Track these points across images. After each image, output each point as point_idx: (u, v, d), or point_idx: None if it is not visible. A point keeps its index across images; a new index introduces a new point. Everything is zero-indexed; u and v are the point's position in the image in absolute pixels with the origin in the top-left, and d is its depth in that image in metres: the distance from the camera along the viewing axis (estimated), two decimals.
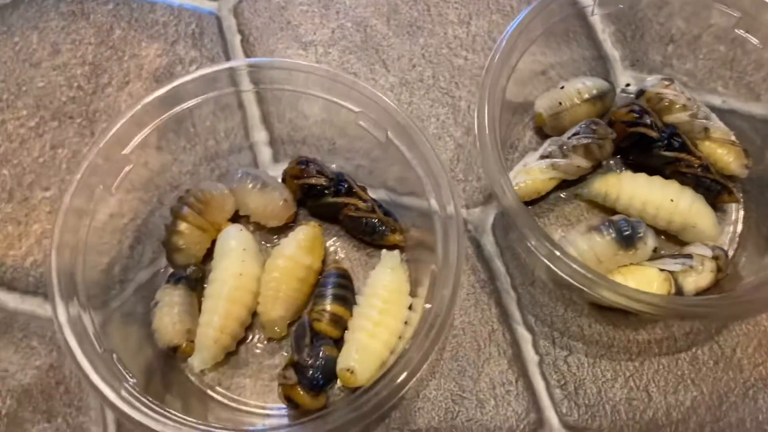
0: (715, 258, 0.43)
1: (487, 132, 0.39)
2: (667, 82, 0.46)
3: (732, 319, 0.43)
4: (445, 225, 0.38)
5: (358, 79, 0.44)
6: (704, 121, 0.46)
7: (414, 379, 0.35)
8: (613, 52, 0.51)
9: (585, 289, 0.37)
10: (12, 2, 0.54)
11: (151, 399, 0.35)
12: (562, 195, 0.47)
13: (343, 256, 0.46)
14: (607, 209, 0.46)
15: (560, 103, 0.46)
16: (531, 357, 0.44)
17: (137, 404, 0.35)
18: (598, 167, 0.47)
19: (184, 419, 0.35)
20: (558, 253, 0.37)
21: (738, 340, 0.44)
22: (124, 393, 0.35)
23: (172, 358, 0.43)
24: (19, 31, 0.53)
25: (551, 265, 0.37)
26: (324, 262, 0.45)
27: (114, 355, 0.37)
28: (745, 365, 0.43)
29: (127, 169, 0.42)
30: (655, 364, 0.43)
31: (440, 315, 0.36)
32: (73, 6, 0.54)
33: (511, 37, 0.43)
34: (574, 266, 0.37)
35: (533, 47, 0.47)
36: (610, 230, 0.42)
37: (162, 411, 0.35)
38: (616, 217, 0.43)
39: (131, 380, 0.36)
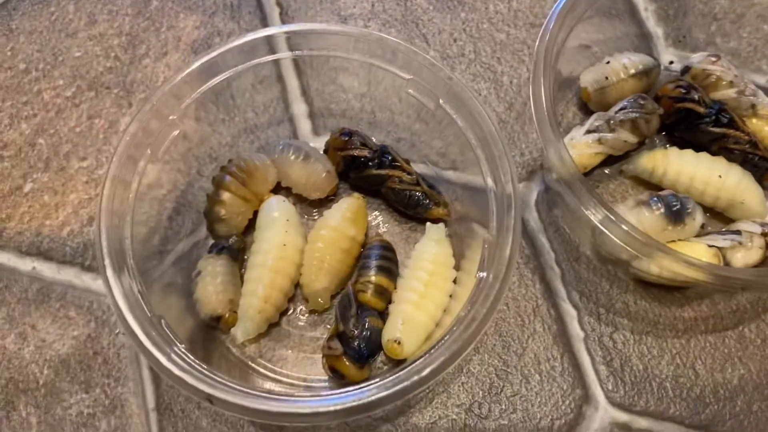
0: (764, 235, 0.42)
1: (543, 104, 0.38)
2: (714, 59, 0.46)
3: None
4: (501, 197, 0.37)
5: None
6: (752, 97, 0.45)
7: (467, 352, 0.35)
8: (656, 29, 0.50)
9: (640, 255, 0.37)
10: None
11: (199, 363, 0.35)
12: (606, 171, 0.47)
13: (385, 230, 0.45)
14: (652, 186, 0.46)
15: (606, 78, 0.46)
16: (576, 333, 0.43)
17: (187, 367, 0.34)
18: (643, 143, 0.46)
19: (234, 383, 0.34)
20: (614, 219, 0.36)
21: None
22: (174, 356, 0.34)
23: (213, 329, 0.42)
24: (56, 1, 0.52)
25: (607, 232, 0.36)
26: (366, 234, 0.44)
27: (163, 321, 0.37)
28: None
29: (174, 134, 0.41)
30: (702, 341, 0.43)
31: (496, 284, 0.35)
32: None
33: (560, 14, 0.42)
34: (632, 233, 0.36)
35: (575, 22, 0.47)
36: (659, 205, 0.42)
37: (211, 374, 0.34)
38: (664, 192, 0.43)
39: (180, 345, 0.36)
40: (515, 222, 0.36)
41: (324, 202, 0.45)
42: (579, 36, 0.48)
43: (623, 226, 0.36)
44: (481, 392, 0.42)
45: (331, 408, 0.33)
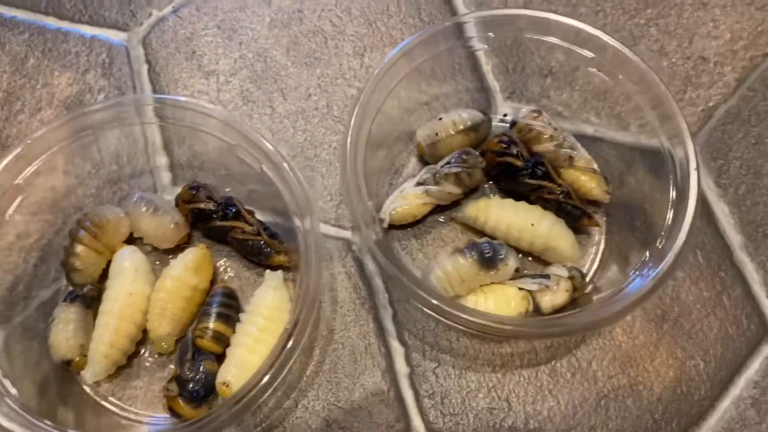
0: (571, 278, 0.46)
1: (348, 170, 0.42)
2: (535, 114, 0.50)
3: (574, 334, 0.47)
4: (305, 241, 0.42)
5: (254, 112, 0.48)
6: (569, 150, 0.50)
7: (272, 388, 0.39)
8: (495, 83, 0.55)
9: (438, 317, 0.41)
10: None
11: (29, 415, 0.39)
12: (440, 219, 0.51)
13: (233, 275, 0.49)
14: (479, 232, 0.50)
15: (437, 134, 0.50)
16: (402, 369, 0.47)
17: (16, 419, 0.38)
18: (471, 193, 0.50)
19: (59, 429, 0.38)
20: (412, 287, 0.41)
21: (594, 354, 0.48)
22: (5, 408, 0.38)
23: (67, 371, 0.46)
24: None
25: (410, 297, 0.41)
26: (214, 281, 0.48)
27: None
28: (599, 377, 0.47)
29: (20, 198, 0.45)
30: (517, 375, 0.47)
31: (298, 326, 0.40)
32: None
33: (387, 65, 0.46)
34: (426, 297, 0.41)
35: (419, 78, 0.51)
36: (473, 252, 0.46)
37: (37, 424, 0.38)
38: (480, 240, 0.47)
39: (12, 395, 0.39)
40: (314, 264, 0.41)
41: (178, 250, 0.49)
42: (422, 89, 0.52)
43: (421, 293, 0.41)
44: (314, 425, 0.46)
45: None
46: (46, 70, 0.55)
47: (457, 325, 0.41)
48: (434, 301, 0.40)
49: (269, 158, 0.44)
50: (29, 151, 0.45)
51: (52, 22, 0.57)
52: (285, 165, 0.43)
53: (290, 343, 0.40)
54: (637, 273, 0.43)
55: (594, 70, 0.48)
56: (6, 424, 0.38)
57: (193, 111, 0.46)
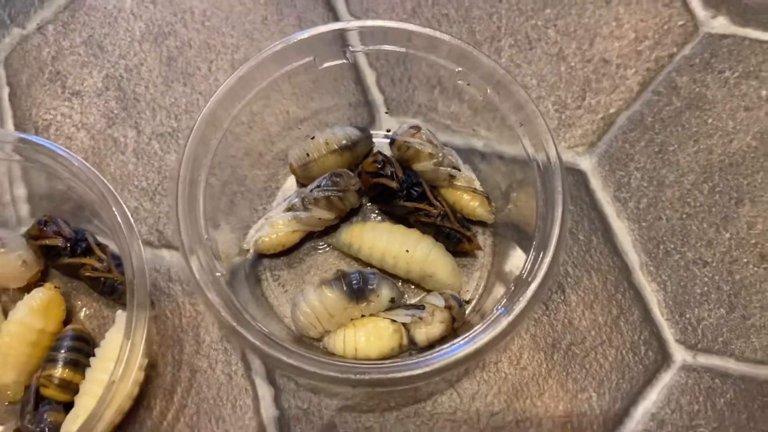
0: (448, 308, 0.43)
1: (178, 208, 0.39)
2: (413, 131, 0.46)
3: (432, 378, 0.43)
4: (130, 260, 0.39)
5: (122, 134, 0.45)
6: (449, 169, 0.46)
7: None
8: (379, 96, 0.51)
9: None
10: None
11: None
12: (319, 245, 0.47)
13: (90, 313, 0.46)
14: (355, 258, 0.46)
15: (308, 155, 0.46)
16: (271, 412, 0.44)
17: None
18: (351, 216, 0.47)
19: None
20: (238, 334, 0.37)
21: (477, 388, 0.44)
22: None
23: None
24: None
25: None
26: (69, 320, 0.45)
27: None
28: (482, 413, 0.44)
29: None
30: (394, 415, 0.44)
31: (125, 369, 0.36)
32: None
33: (241, 76, 0.42)
34: (252, 341, 0.37)
35: (300, 92, 0.48)
36: (341, 283, 0.42)
37: None
38: (349, 270, 0.43)
39: None
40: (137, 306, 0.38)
41: (34, 288, 0.46)
42: (301, 104, 0.49)
43: (248, 336, 0.37)
44: None
45: None
46: None
47: (308, 380, 0.38)
48: (274, 353, 0.37)
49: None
50: None
51: None
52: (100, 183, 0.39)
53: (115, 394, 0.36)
54: (500, 306, 0.39)
55: (462, 82, 0.45)
56: None
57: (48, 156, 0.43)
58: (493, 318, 0.37)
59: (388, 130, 0.50)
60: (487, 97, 0.43)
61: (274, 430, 0.44)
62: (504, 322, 0.36)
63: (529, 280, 0.38)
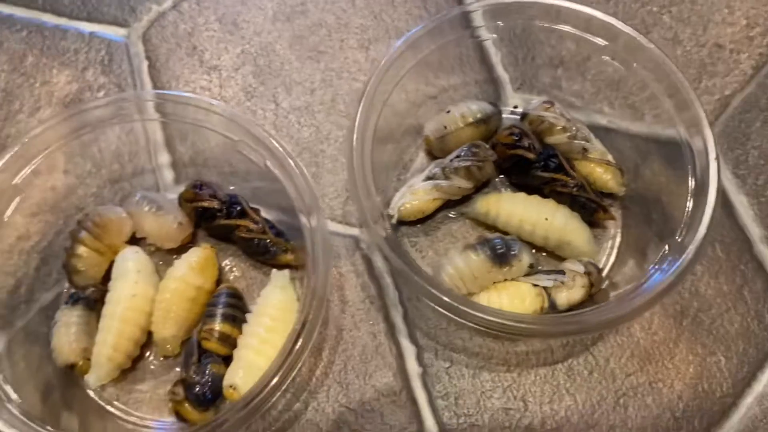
0: (587, 274, 0.45)
1: (355, 168, 0.41)
2: (547, 105, 0.49)
3: (593, 332, 0.45)
4: (312, 239, 0.40)
5: (258, 107, 0.47)
6: (582, 142, 0.48)
7: (280, 391, 0.38)
8: (504, 74, 0.53)
9: (451, 315, 0.40)
10: None
11: (33, 422, 0.37)
12: (450, 214, 0.49)
13: (239, 274, 0.48)
14: (490, 227, 0.48)
15: (445, 127, 0.48)
16: (414, 369, 0.46)
17: (18, 424, 0.37)
18: (483, 187, 0.49)
19: None
20: (421, 284, 0.39)
21: (612, 351, 0.46)
22: (6, 416, 0.37)
23: (71, 375, 0.45)
24: None
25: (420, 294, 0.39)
26: (219, 281, 0.47)
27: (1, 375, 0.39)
28: (618, 374, 0.46)
29: (18, 198, 0.43)
30: (533, 374, 0.46)
31: (306, 327, 0.38)
32: None
33: (392, 57, 0.45)
34: (437, 294, 0.39)
35: (426, 70, 0.50)
36: (485, 248, 0.44)
37: (41, 430, 0.37)
38: (491, 236, 0.45)
39: (13, 401, 0.38)
40: (323, 262, 0.40)
41: (182, 250, 0.48)
42: (429, 82, 0.51)
43: (429, 288, 0.39)
44: (324, 428, 0.45)
45: None
46: (44, 68, 0.54)
47: (470, 324, 0.40)
48: (446, 299, 0.39)
49: (273, 154, 0.42)
50: (27, 151, 0.44)
51: (50, 19, 0.56)
52: (290, 161, 0.42)
53: (299, 344, 0.39)
54: (656, 267, 0.41)
55: (607, 58, 0.47)
56: (7, 431, 0.36)
57: (195, 107, 0.45)
58: (654, 277, 0.39)
59: (515, 107, 0.52)
60: (632, 74, 0.45)
61: (419, 386, 0.45)
62: (667, 279, 0.38)
63: (684, 242, 0.40)
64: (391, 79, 0.45)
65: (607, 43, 0.46)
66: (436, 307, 0.40)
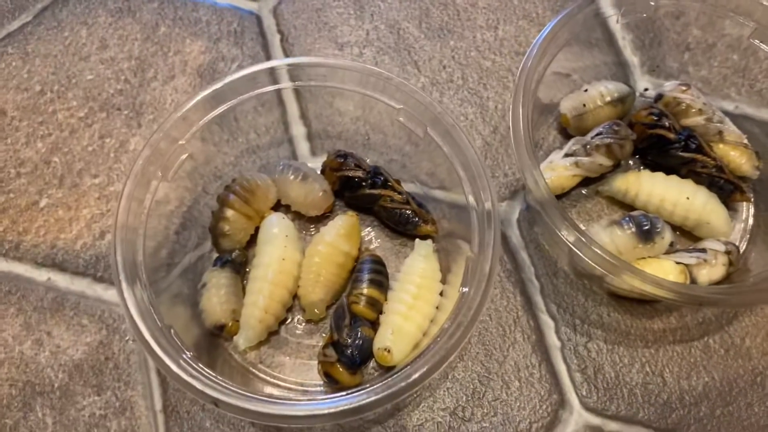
0: (728, 253, 0.46)
1: (521, 130, 0.42)
2: (684, 87, 0.49)
3: (742, 306, 0.46)
4: (482, 215, 0.41)
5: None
6: (719, 124, 0.49)
7: (450, 359, 0.38)
8: (633, 58, 0.54)
9: (609, 274, 0.40)
10: None
11: (205, 369, 0.38)
12: (584, 192, 0.50)
13: (377, 245, 0.49)
14: (626, 206, 0.49)
15: (584, 105, 0.49)
16: (553, 342, 0.46)
17: (195, 373, 0.38)
18: (618, 166, 0.50)
19: (237, 388, 0.37)
20: (585, 240, 0.40)
21: (747, 330, 0.47)
22: (183, 363, 0.38)
23: (216, 336, 0.46)
24: (69, 26, 0.56)
25: (579, 252, 0.40)
26: (360, 249, 0.48)
27: (172, 330, 0.40)
28: (754, 354, 0.46)
29: (183, 157, 0.44)
30: (670, 351, 0.46)
31: (477, 297, 0.39)
32: (120, 3, 0.57)
33: (542, 44, 0.46)
34: (600, 253, 0.40)
35: (556, 52, 0.51)
36: (631, 224, 0.45)
37: (216, 379, 0.38)
38: (636, 213, 0.46)
39: (188, 353, 0.39)
40: (495, 239, 0.40)
41: (321, 219, 0.49)
42: (560, 64, 0.52)
43: (594, 248, 0.40)
44: (464, 397, 0.45)
45: (326, 411, 0.37)
46: (177, 38, 0.55)
47: (633, 288, 0.40)
48: (608, 259, 0.39)
49: (438, 120, 0.43)
50: (175, 127, 0.44)
51: None
52: (458, 129, 0.42)
53: (471, 312, 0.39)
54: None
55: (757, 42, 0.47)
56: (186, 378, 0.37)
57: (342, 72, 0.45)
58: None
59: (646, 89, 0.53)
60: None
61: (559, 359, 0.46)
62: None
63: None
64: (546, 57, 0.46)
65: (755, 26, 0.47)
66: (598, 268, 0.40)
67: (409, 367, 0.38)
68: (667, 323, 0.47)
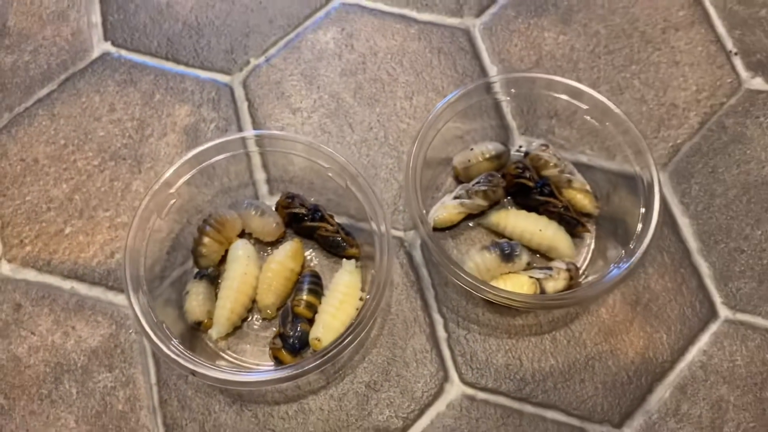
0: (568, 270, 0.63)
1: (410, 186, 0.59)
2: (543, 147, 0.67)
3: (571, 305, 0.63)
4: (381, 239, 0.58)
5: (330, 140, 0.65)
6: (568, 175, 0.66)
7: (352, 346, 0.56)
8: (513, 122, 0.71)
9: (473, 291, 0.58)
10: (80, 72, 0.74)
11: (187, 351, 0.56)
12: (470, 224, 0.68)
13: (317, 262, 0.66)
14: (499, 234, 0.66)
15: (469, 160, 0.67)
16: (442, 334, 0.64)
17: (179, 354, 0.55)
18: (494, 205, 0.67)
19: (209, 364, 0.55)
20: (454, 269, 0.57)
21: (585, 327, 0.64)
22: (172, 347, 0.55)
23: (196, 330, 0.63)
24: (86, 94, 0.73)
25: (451, 277, 0.57)
26: (303, 266, 0.65)
27: (164, 325, 0.57)
28: (588, 344, 0.64)
29: (172, 202, 0.62)
30: (527, 341, 0.64)
31: (374, 302, 0.56)
32: (124, 75, 0.74)
33: (436, 113, 0.63)
34: (465, 277, 0.57)
35: (456, 118, 0.68)
36: (496, 249, 0.62)
37: (194, 358, 0.55)
38: (501, 240, 0.63)
39: (175, 340, 0.56)
40: (389, 258, 0.57)
41: (275, 244, 0.66)
42: (457, 126, 0.69)
43: (458, 272, 0.57)
44: (377, 373, 0.63)
45: (269, 377, 0.54)
46: (168, 104, 0.72)
47: (486, 298, 0.58)
48: (471, 280, 0.57)
49: (353, 177, 0.60)
50: (169, 179, 0.62)
51: (172, 66, 0.74)
52: (365, 182, 0.60)
53: (368, 312, 0.56)
54: (615, 266, 0.60)
55: (587, 117, 0.65)
56: (173, 356, 0.54)
57: (292, 142, 0.63)
58: (613, 272, 0.58)
59: (521, 146, 0.70)
60: (606, 128, 0.64)
61: (445, 347, 0.63)
62: (621, 273, 0.57)
63: (635, 249, 0.58)
64: (434, 126, 0.63)
65: (587, 106, 0.65)
66: (463, 286, 0.58)
67: (324, 351, 0.56)
68: (526, 321, 0.64)
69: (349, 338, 0.56)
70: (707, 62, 0.74)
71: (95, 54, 0.75)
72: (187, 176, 0.62)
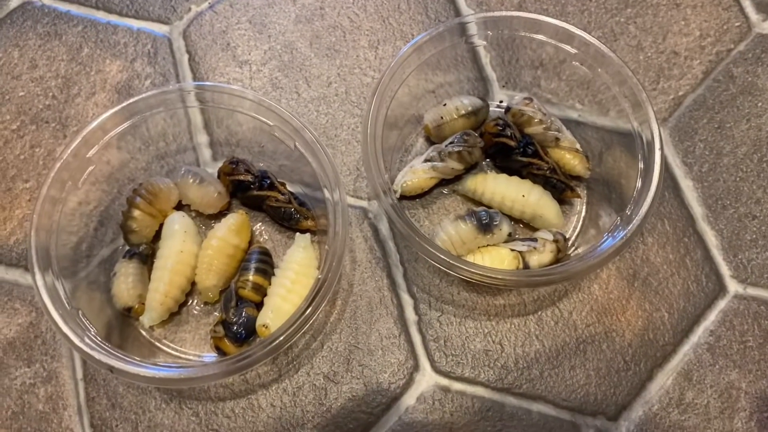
0: (555, 241, 0.55)
1: (368, 150, 0.50)
2: (527, 101, 0.58)
3: (560, 282, 0.55)
4: (334, 207, 0.50)
5: (283, 97, 0.56)
6: (556, 132, 0.58)
7: (303, 331, 0.47)
8: (492, 74, 0.63)
9: (446, 269, 0.49)
10: None
11: (107, 344, 0.47)
12: (444, 191, 0.59)
13: (267, 237, 0.57)
14: (476, 202, 0.58)
15: (442, 117, 0.58)
16: (412, 317, 0.56)
17: (95, 346, 0.46)
18: (471, 168, 0.59)
19: (131, 358, 0.46)
20: (422, 243, 0.49)
21: (575, 305, 0.56)
22: (87, 340, 0.47)
23: (127, 317, 0.54)
24: (2, 48, 0.64)
25: (418, 251, 0.49)
26: (251, 242, 0.56)
27: (80, 312, 0.49)
28: (579, 325, 0.56)
29: (90, 168, 0.53)
30: (509, 323, 0.56)
31: (326, 281, 0.48)
32: (48, 27, 0.65)
33: (398, 60, 0.54)
34: (435, 253, 0.49)
35: (426, 69, 0.59)
36: (473, 219, 0.54)
37: (115, 352, 0.46)
38: (478, 209, 0.55)
39: (92, 330, 0.48)
40: (342, 229, 0.49)
41: (218, 216, 0.57)
42: (428, 78, 0.60)
43: (428, 247, 0.49)
44: (337, 363, 0.54)
45: (207, 373, 0.46)
46: (98, 58, 0.63)
47: (461, 276, 0.49)
48: (443, 257, 0.49)
49: (303, 138, 0.52)
50: (92, 135, 0.53)
51: (102, 15, 0.65)
52: (317, 144, 0.51)
53: (320, 294, 0.48)
54: (609, 235, 0.51)
55: (577, 63, 0.56)
56: (89, 351, 0.46)
57: (232, 95, 0.54)
58: (607, 242, 0.49)
59: (501, 102, 0.62)
60: (598, 77, 0.55)
61: (415, 331, 0.55)
62: (616, 244, 0.48)
63: (631, 216, 0.50)
64: (398, 76, 0.54)
65: (577, 51, 0.56)
66: (434, 263, 0.49)
67: (271, 338, 0.47)
68: (507, 300, 0.56)
69: (296, 323, 0.47)
70: (712, 4, 0.65)
71: (14, 3, 0.65)
72: (111, 135, 0.53)
